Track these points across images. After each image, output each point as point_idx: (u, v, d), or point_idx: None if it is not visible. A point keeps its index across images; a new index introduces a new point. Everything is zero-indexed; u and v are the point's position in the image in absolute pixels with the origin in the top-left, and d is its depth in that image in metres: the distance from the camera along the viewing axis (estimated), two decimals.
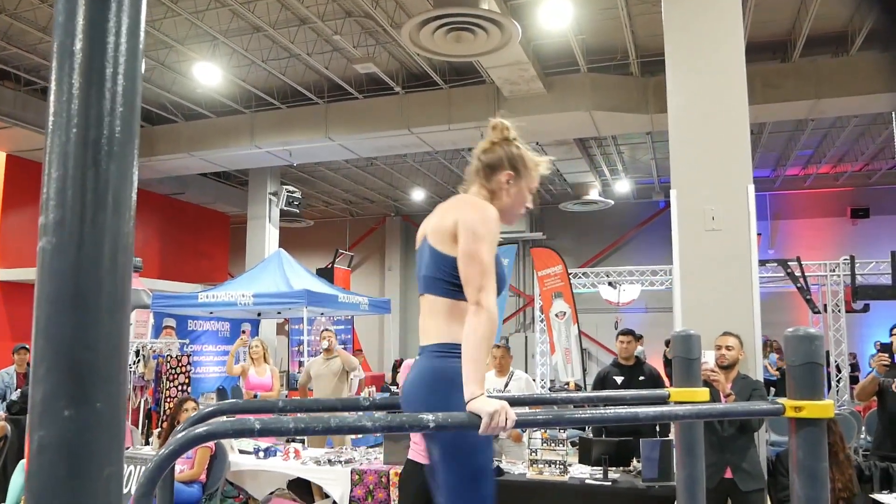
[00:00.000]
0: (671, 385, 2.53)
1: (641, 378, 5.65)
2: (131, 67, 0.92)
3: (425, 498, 4.32)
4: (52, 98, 0.89)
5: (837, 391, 11.47)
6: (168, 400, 8.15)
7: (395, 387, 13.07)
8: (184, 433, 1.70)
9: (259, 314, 12.04)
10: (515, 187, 2.15)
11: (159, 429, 6.86)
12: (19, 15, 9.27)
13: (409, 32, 7.85)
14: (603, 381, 5.75)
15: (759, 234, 8.61)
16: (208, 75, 10.69)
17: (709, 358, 4.18)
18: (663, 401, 2.51)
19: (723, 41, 5.34)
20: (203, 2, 8.98)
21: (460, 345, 1.93)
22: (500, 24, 7.69)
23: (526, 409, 1.94)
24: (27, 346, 8.90)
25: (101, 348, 0.88)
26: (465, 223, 1.98)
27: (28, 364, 8.82)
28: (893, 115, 11.38)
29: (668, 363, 13.13)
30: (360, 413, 1.92)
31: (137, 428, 8.19)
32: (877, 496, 4.46)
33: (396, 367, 14.07)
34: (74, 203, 0.87)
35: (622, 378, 5.66)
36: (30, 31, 9.68)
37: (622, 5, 8.84)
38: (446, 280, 2.03)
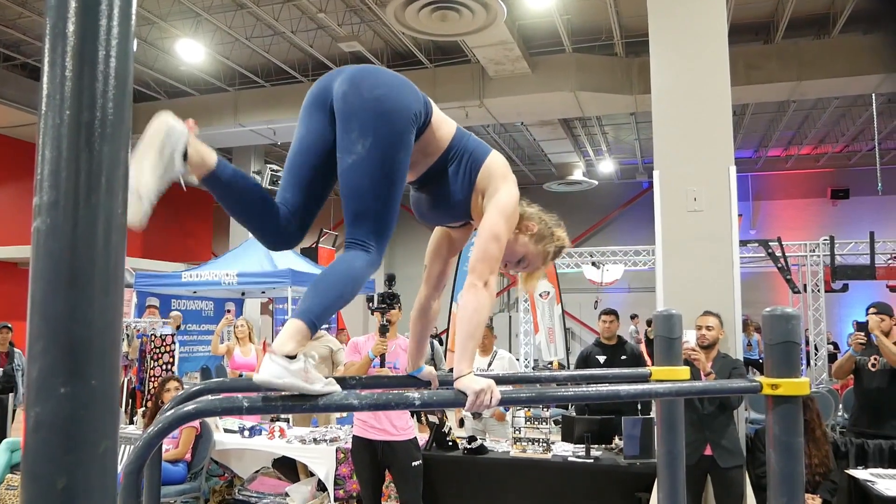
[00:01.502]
0: (653, 364, 2.57)
1: (623, 357, 5.73)
2: (123, 50, 0.93)
3: (378, 470, 4.44)
4: (44, 80, 0.90)
5: (815, 370, 11.68)
6: (152, 379, 8.14)
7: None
8: (172, 411, 1.72)
9: (243, 293, 12.02)
10: (523, 241, 2.06)
11: (143, 408, 6.87)
12: None
13: (395, 11, 7.81)
14: (585, 361, 5.82)
15: (740, 215, 8.71)
16: (191, 52, 10.57)
17: (689, 337, 4.25)
18: (645, 379, 2.55)
19: (706, 23, 5.36)
20: None
21: None
22: (485, 4, 7.67)
23: (510, 388, 1.97)
24: (9, 325, 8.84)
25: (95, 325, 0.89)
26: (502, 200, 1.91)
27: (10, 343, 8.79)
28: (874, 97, 11.50)
29: (649, 343, 13.28)
30: (347, 391, 1.95)
31: (121, 407, 8.19)
32: (852, 472, 4.57)
33: None
34: (68, 184, 0.88)
35: (604, 357, 5.73)
36: (9, 6, 9.51)
37: None
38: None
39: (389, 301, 4.21)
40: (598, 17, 9.88)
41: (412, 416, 4.77)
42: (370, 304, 4.29)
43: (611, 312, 5.99)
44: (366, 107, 1.77)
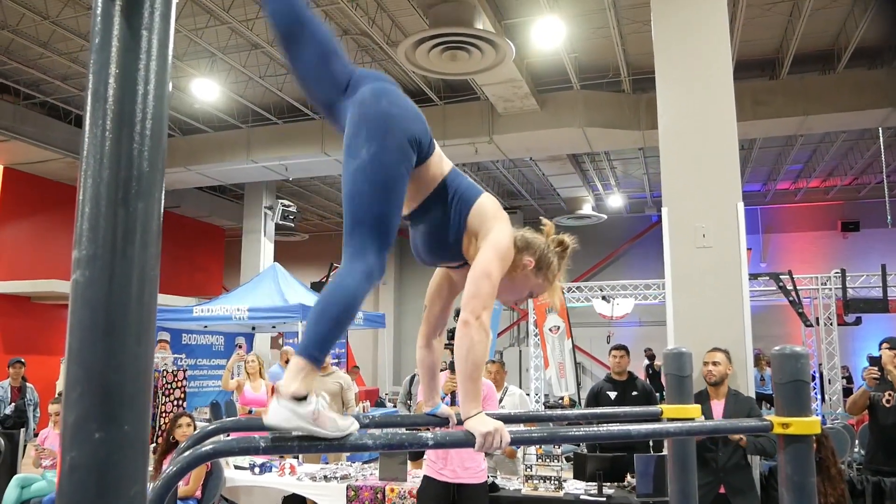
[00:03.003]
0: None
1: (634, 393, 5.70)
2: (159, 111, 0.99)
3: None
4: (85, 141, 0.96)
5: (830, 404, 11.55)
6: (163, 415, 8.15)
7: (392, 404, 13.09)
8: (189, 452, 1.74)
9: (253, 328, 12.06)
10: (524, 276, 2.05)
11: (154, 444, 6.87)
12: (21, 31, 9.35)
13: (405, 51, 7.97)
14: (596, 397, 5.80)
15: (749, 249, 8.72)
16: (206, 91, 10.78)
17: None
18: (656, 417, 2.57)
19: (711, 59, 5.44)
20: (202, 19, 9.08)
21: None
22: (494, 44, 7.81)
23: (521, 427, 1.99)
24: (22, 360, 8.89)
25: (129, 372, 0.94)
26: (495, 239, 1.92)
27: (23, 378, 8.84)
28: (880, 131, 11.55)
29: (652, 376, 13.20)
30: (361, 432, 1.97)
31: None
32: None
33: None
34: (106, 239, 0.94)
35: (615, 393, 5.71)
36: (31, 47, 9.76)
37: (613, 24, 8.98)
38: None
39: None
40: (605, 54, 10.02)
41: (485, 458, 4.58)
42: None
43: (621, 348, 5.97)
44: (378, 116, 1.83)
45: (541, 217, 2.19)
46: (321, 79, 1.96)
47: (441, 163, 2.03)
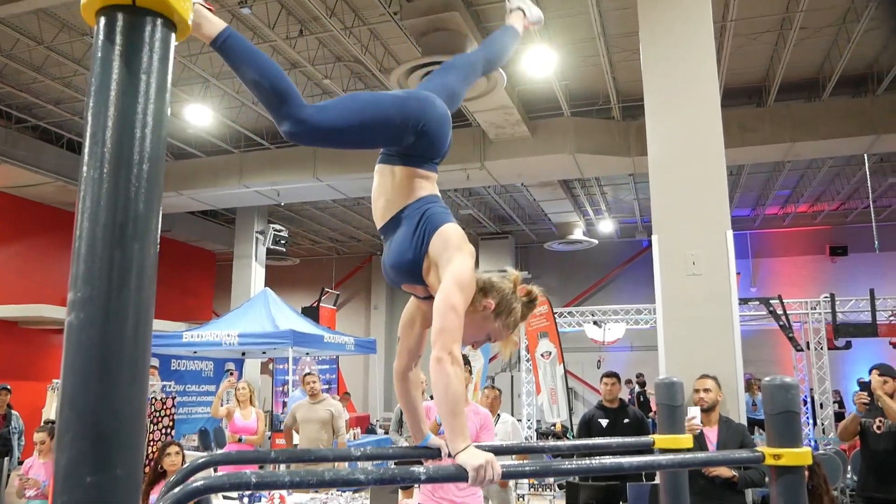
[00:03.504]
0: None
1: (626, 421, 5.68)
2: (156, 154, 1.00)
3: None
4: (82, 183, 0.97)
5: (823, 430, 11.55)
6: (151, 444, 8.06)
7: (383, 430, 12.99)
8: (180, 488, 1.73)
9: (243, 354, 11.99)
10: (483, 318, 2.03)
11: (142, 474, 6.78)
12: (15, 56, 9.38)
13: (398, 78, 8.03)
14: (588, 425, 5.77)
15: (739, 273, 8.76)
16: (199, 116, 10.82)
17: (695, 413, 4.23)
18: (648, 448, 2.56)
19: (699, 87, 5.52)
20: (196, 45, 9.13)
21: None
22: None
23: (513, 460, 1.99)
24: (8, 387, 8.77)
25: (122, 416, 0.94)
26: (456, 269, 1.90)
27: (8, 405, 8.71)
28: (866, 157, 11.69)
29: (642, 404, 13.18)
30: (352, 467, 1.97)
31: None
32: None
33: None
34: (101, 281, 0.95)
35: (607, 421, 5.68)
36: (24, 72, 9.79)
37: (603, 53, 9.09)
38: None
39: None
40: (595, 82, 10.14)
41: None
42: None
43: (612, 375, 5.95)
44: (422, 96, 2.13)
45: (507, 269, 2.18)
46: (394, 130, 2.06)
47: (430, 184, 2.11)
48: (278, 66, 1.90)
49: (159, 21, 1.00)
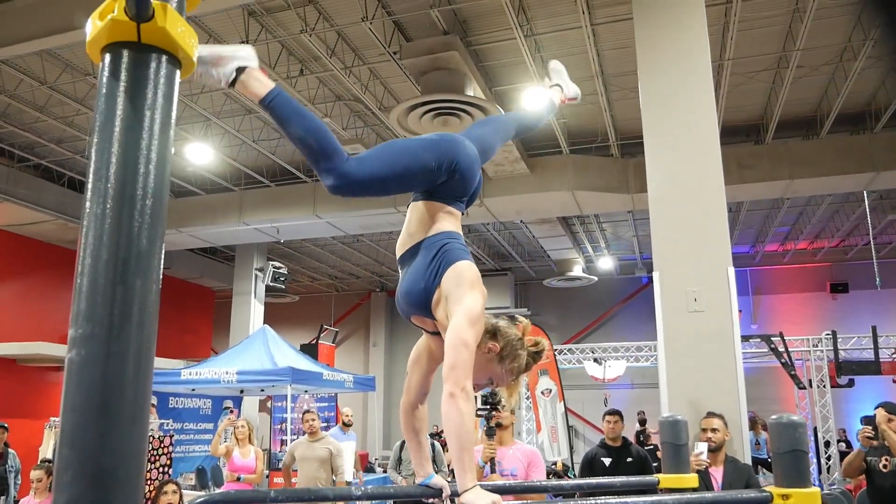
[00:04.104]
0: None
1: (629, 459, 5.58)
2: (159, 190, 1.00)
3: None
4: (85, 219, 0.97)
5: (828, 468, 11.40)
6: (149, 482, 7.94)
7: (382, 469, 12.81)
8: None
9: (242, 391, 11.88)
10: (487, 361, 2.03)
11: None
12: (18, 95, 9.49)
13: (398, 116, 8.11)
14: (591, 464, 5.68)
15: (740, 311, 8.74)
16: (200, 155, 10.90)
17: (702, 448, 4.17)
18: (653, 487, 2.52)
19: (698, 125, 5.55)
20: (197, 85, 9.24)
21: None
22: (484, 109, 7.97)
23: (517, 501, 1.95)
24: (5, 426, 8.68)
25: (122, 455, 0.92)
26: (468, 306, 1.91)
27: (5, 443, 8.61)
28: (865, 194, 11.74)
29: (642, 444, 13.01)
30: None
31: None
32: None
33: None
34: (103, 318, 0.94)
35: (610, 459, 5.59)
36: (27, 111, 9.89)
37: (601, 91, 9.20)
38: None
39: (492, 402, 4.04)
40: (594, 120, 10.23)
41: None
42: (477, 407, 4.10)
43: (615, 413, 5.87)
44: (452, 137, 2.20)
45: (517, 315, 2.19)
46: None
47: (453, 220, 2.15)
48: (323, 123, 1.96)
49: (164, 58, 1.01)
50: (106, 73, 0.99)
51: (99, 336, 0.93)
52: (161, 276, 1.01)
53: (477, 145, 2.25)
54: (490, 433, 4.00)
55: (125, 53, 0.99)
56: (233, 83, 1.90)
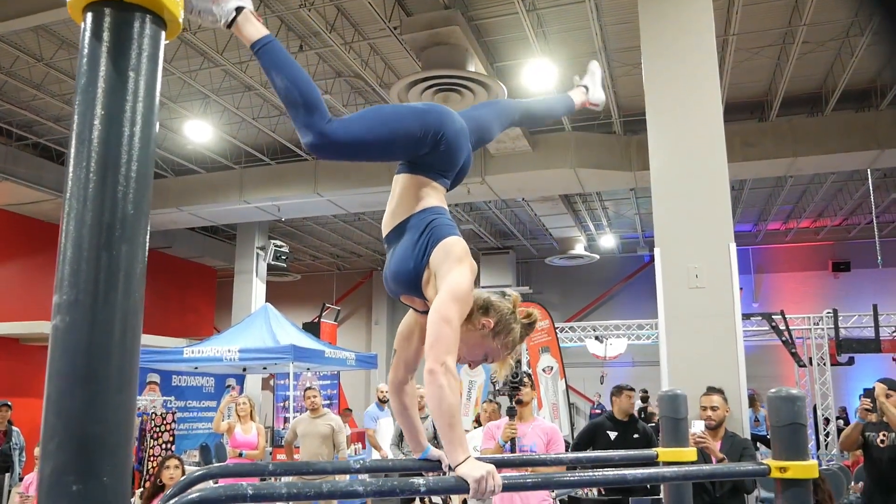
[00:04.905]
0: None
1: (636, 436, 5.51)
2: (145, 154, 0.98)
3: None
4: (68, 183, 0.95)
5: (826, 445, 11.44)
6: (151, 459, 8.00)
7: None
8: (175, 500, 1.70)
9: (244, 369, 11.94)
10: (481, 337, 2.01)
11: (141, 488, 6.73)
12: (15, 73, 9.42)
13: (398, 93, 8.04)
14: (594, 432, 5.66)
15: (741, 289, 8.73)
16: (199, 132, 10.83)
17: (697, 428, 4.17)
18: (652, 461, 2.52)
19: (701, 102, 5.50)
20: (196, 62, 9.16)
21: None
22: (486, 86, 7.90)
23: (514, 473, 1.95)
24: (9, 403, 8.74)
25: (109, 423, 0.91)
26: (452, 282, 1.88)
27: (9, 421, 8.68)
28: (869, 172, 11.67)
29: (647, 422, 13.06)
30: (351, 477, 1.93)
31: None
32: None
33: None
34: (88, 283, 0.92)
35: (616, 434, 5.54)
36: (24, 89, 9.82)
37: (604, 67, 9.10)
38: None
39: (515, 381, 4.01)
40: None
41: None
42: (495, 386, 4.10)
43: (631, 389, 5.82)
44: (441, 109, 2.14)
45: (505, 290, 2.16)
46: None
47: (438, 195, 2.10)
48: (311, 80, 1.93)
49: (148, 18, 0.98)
50: (88, 34, 0.96)
51: (84, 303, 0.92)
52: (147, 242, 0.99)
53: (472, 124, 2.21)
54: (511, 413, 3.98)
55: (107, 13, 0.96)
56: (230, 24, 1.87)
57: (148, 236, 0.99)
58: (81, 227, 0.93)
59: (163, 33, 1.02)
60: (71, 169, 0.95)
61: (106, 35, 0.96)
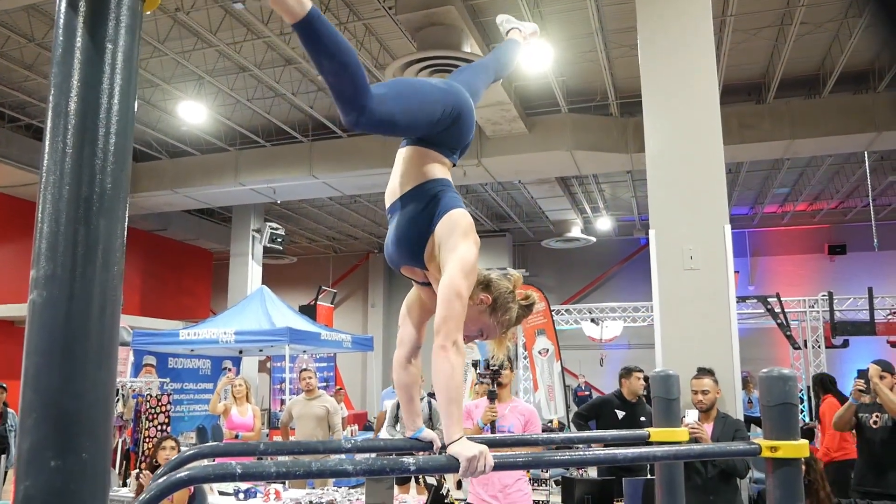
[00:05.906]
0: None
1: (643, 419, 5.49)
2: (123, 126, 0.96)
3: None
4: (45, 156, 0.93)
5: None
6: (147, 440, 8.02)
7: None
8: (164, 478, 1.69)
9: (240, 352, 11.95)
10: (478, 312, 2.02)
11: (137, 470, 6.75)
12: (6, 53, 9.33)
13: (393, 73, 7.98)
14: (601, 408, 5.66)
15: (737, 272, 8.74)
16: (194, 114, 10.76)
17: (690, 418, 4.17)
18: (643, 441, 2.53)
19: (698, 83, 5.47)
20: (190, 42, 9.08)
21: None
22: None
23: (507, 452, 1.95)
24: (4, 386, 8.74)
25: (88, 399, 0.90)
26: (462, 255, 1.88)
27: (4, 403, 8.68)
28: (866, 155, 11.65)
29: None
30: (342, 456, 1.93)
31: (115, 469, 8.04)
32: None
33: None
34: (65, 258, 0.90)
35: (623, 413, 5.54)
36: (16, 70, 9.73)
37: (601, 49, 9.05)
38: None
39: (494, 370, 4.05)
40: (593, 78, 10.09)
41: (527, 480, 4.39)
42: (477, 371, 4.14)
43: (640, 370, 5.74)
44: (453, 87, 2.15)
45: (507, 269, 2.15)
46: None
47: (444, 170, 2.10)
48: (356, 54, 1.80)
49: None
50: (63, 3, 0.94)
51: (61, 277, 0.90)
52: (127, 217, 0.97)
53: (469, 91, 2.21)
54: (492, 396, 4.01)
55: None
56: None
57: (127, 211, 0.98)
58: (58, 201, 0.91)
59: (141, 4, 1.00)
60: (48, 142, 0.93)
61: (82, 5, 0.93)
